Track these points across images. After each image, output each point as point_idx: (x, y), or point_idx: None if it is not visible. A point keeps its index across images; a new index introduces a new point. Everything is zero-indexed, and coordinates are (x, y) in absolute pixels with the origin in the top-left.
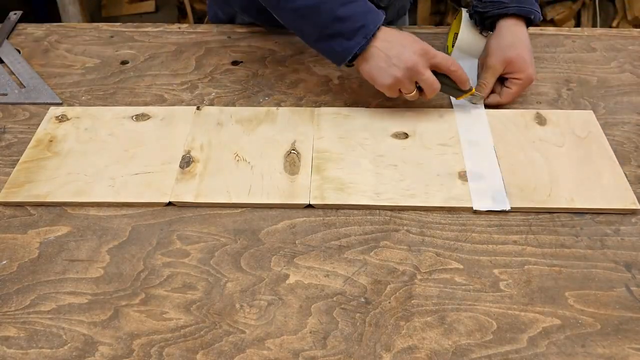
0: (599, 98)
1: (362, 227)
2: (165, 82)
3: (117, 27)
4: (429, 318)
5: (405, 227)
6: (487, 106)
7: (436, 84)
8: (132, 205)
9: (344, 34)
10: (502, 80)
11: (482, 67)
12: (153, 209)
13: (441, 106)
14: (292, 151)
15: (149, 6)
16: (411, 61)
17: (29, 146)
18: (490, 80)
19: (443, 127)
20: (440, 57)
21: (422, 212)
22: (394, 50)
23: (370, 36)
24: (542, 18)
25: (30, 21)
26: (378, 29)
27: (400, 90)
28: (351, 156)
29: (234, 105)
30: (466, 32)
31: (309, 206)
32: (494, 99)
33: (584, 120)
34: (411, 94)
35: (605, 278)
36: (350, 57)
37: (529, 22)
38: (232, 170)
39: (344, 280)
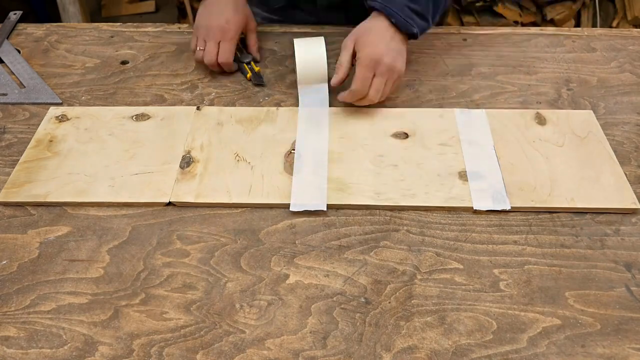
0: (599, 98)
1: (362, 227)
2: (165, 82)
3: (117, 27)
4: (429, 318)
5: (405, 227)
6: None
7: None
8: (132, 205)
9: None
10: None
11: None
12: (153, 209)
13: (441, 106)
14: (292, 151)
15: (149, 6)
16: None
17: (29, 146)
18: (344, 58)
19: (443, 127)
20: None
21: (422, 212)
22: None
23: None
24: (416, 31)
25: (30, 21)
26: None
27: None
28: (351, 156)
29: (234, 105)
30: (302, 60)
31: None
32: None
33: (584, 120)
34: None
35: (605, 278)
36: None
37: (404, 29)
38: (232, 170)
39: (344, 280)
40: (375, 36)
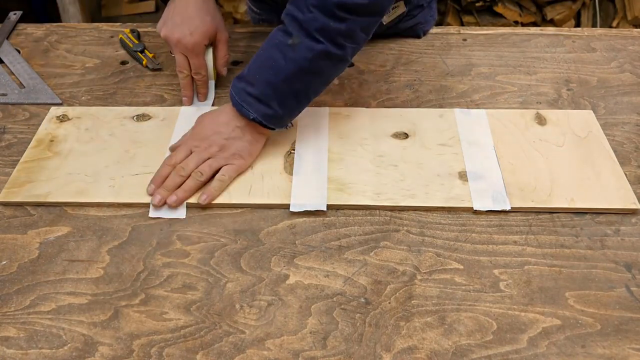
0: (599, 98)
1: (362, 227)
2: (165, 82)
3: (117, 27)
4: (429, 318)
5: (405, 227)
6: None
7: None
8: (132, 205)
9: None
10: None
11: None
12: None
13: (441, 106)
14: (292, 151)
15: (149, 6)
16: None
17: (29, 146)
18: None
19: (443, 127)
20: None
21: (422, 212)
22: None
23: None
24: (252, 116)
25: (30, 21)
26: None
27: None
28: (351, 156)
29: None
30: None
31: None
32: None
33: (584, 120)
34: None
35: (605, 278)
36: None
37: (240, 113)
38: None
39: (344, 281)
40: (210, 117)
